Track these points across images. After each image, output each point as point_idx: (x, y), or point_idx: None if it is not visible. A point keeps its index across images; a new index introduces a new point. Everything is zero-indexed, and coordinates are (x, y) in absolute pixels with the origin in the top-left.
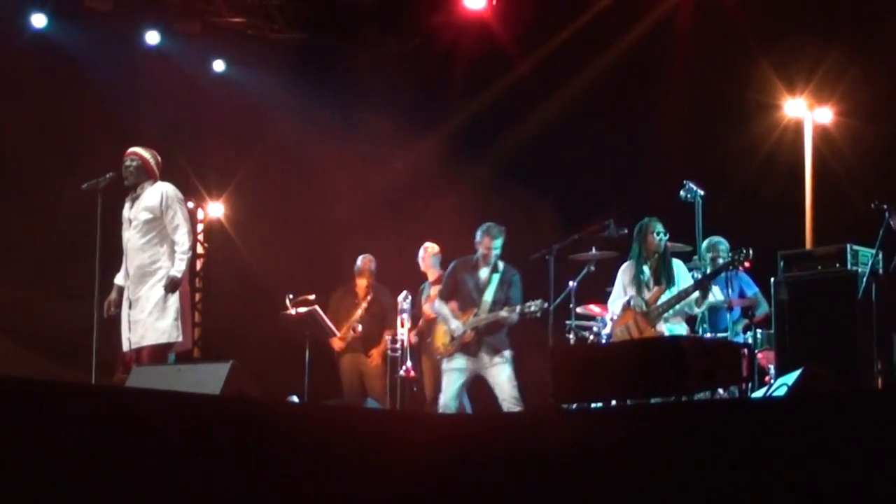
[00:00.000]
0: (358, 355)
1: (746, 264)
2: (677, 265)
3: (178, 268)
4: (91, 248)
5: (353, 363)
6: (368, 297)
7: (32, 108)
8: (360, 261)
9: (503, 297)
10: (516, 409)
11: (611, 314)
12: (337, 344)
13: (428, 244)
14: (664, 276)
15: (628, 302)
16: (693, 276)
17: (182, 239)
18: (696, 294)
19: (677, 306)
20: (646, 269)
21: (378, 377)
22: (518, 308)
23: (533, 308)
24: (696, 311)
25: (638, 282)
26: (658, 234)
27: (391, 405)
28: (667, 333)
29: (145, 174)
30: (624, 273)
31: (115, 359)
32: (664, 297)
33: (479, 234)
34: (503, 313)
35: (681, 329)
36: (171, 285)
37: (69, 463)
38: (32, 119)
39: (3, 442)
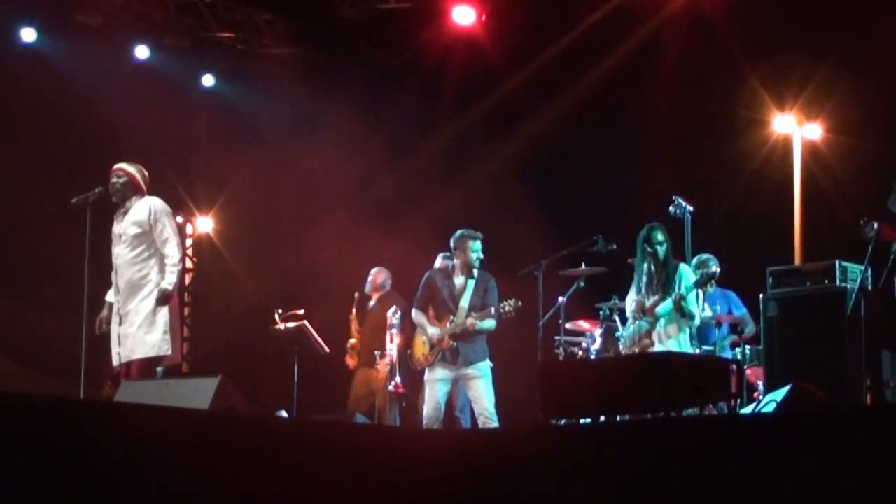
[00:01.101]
0: (368, 371)
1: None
2: (682, 270)
3: (170, 280)
4: (80, 262)
5: (363, 378)
6: (356, 311)
7: (21, 122)
8: (370, 275)
9: (479, 303)
10: (492, 423)
11: (628, 312)
12: (349, 361)
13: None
14: (658, 284)
15: (638, 307)
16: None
17: (172, 252)
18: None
19: (665, 319)
20: (644, 276)
21: (382, 391)
22: (493, 310)
23: (507, 308)
24: (691, 322)
25: (641, 289)
26: (657, 243)
27: (380, 420)
28: (662, 344)
29: (132, 189)
30: (634, 277)
31: (104, 373)
32: (662, 308)
33: (452, 241)
34: (470, 320)
35: (676, 341)
36: (163, 298)
37: (57, 478)
38: (21, 133)
39: None
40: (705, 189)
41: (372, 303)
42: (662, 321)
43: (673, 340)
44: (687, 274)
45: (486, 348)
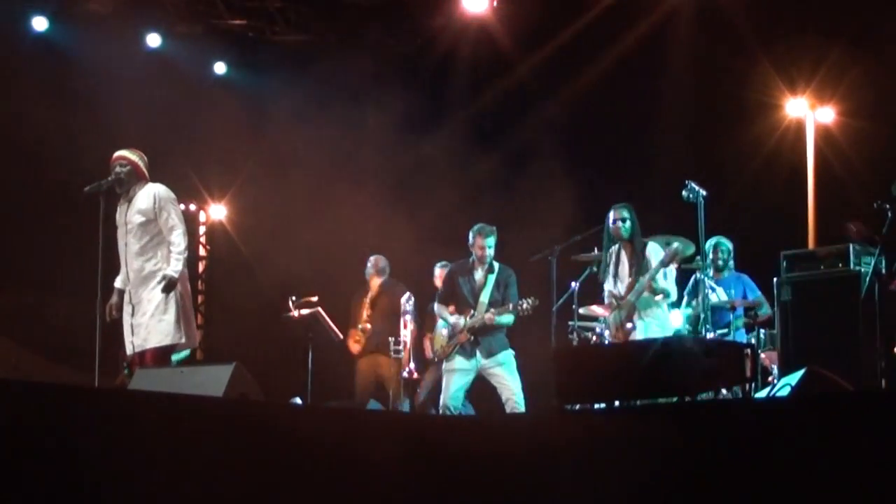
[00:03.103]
0: (375, 356)
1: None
2: (651, 248)
3: (175, 267)
4: (94, 250)
5: (370, 365)
6: (369, 296)
7: (33, 111)
8: (368, 262)
9: (500, 298)
10: (520, 408)
11: (606, 299)
12: (353, 347)
13: (444, 263)
14: (634, 266)
15: (609, 294)
16: (695, 277)
17: (178, 239)
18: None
19: (641, 302)
20: (620, 256)
21: (395, 378)
22: (511, 306)
23: (525, 306)
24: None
25: (614, 270)
26: (622, 220)
27: (392, 407)
28: (642, 327)
29: (136, 177)
30: (605, 260)
31: (119, 361)
32: (633, 293)
33: (470, 235)
34: (488, 314)
35: (655, 319)
36: (168, 285)
37: (72, 465)
38: (33, 121)
39: (7, 444)
40: (719, 173)
41: (375, 289)
42: (640, 305)
43: (652, 320)
44: (656, 252)
45: (505, 339)
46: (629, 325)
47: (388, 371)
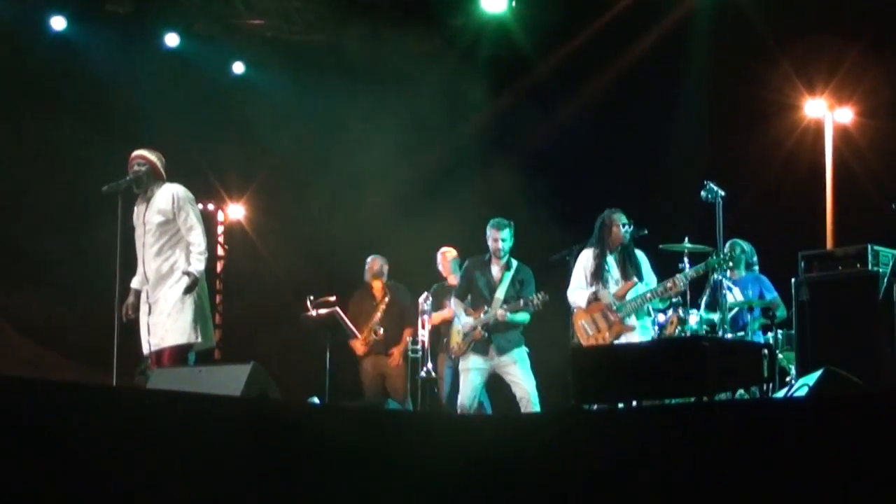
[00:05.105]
0: (379, 357)
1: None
2: (641, 258)
3: (196, 267)
4: (112, 249)
5: (374, 365)
6: (386, 299)
7: (52, 110)
8: (367, 263)
9: (515, 295)
10: (534, 406)
11: (572, 303)
12: (358, 347)
13: (446, 249)
14: (631, 269)
15: (595, 295)
16: (714, 279)
17: (197, 240)
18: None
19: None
20: (611, 261)
21: (399, 377)
22: (522, 302)
23: (536, 301)
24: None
25: (602, 275)
26: (623, 225)
27: (413, 406)
28: (637, 329)
29: (154, 177)
30: (585, 263)
31: (134, 361)
32: (634, 292)
33: (487, 229)
34: (500, 311)
35: (647, 325)
36: (191, 285)
37: (91, 464)
38: (52, 121)
39: (26, 443)
40: (737, 174)
41: (381, 291)
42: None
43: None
44: (643, 259)
45: (521, 338)
46: (620, 326)
47: (390, 370)
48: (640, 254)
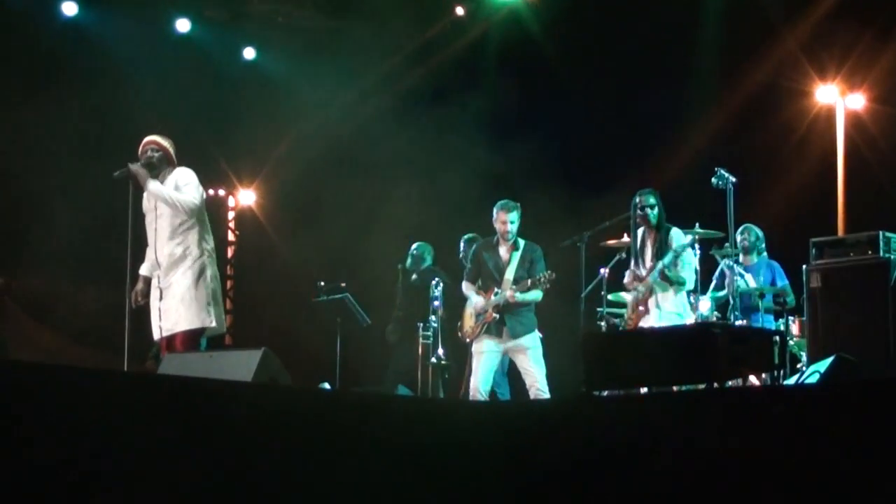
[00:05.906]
0: (410, 343)
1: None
2: (674, 234)
3: (154, 188)
4: (122, 235)
5: (407, 350)
6: (399, 284)
7: (63, 96)
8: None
9: (525, 275)
10: (543, 395)
11: (625, 281)
12: (392, 334)
13: (470, 235)
14: (656, 251)
15: (633, 275)
16: (725, 264)
17: (185, 199)
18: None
19: (658, 286)
20: (638, 241)
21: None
22: (529, 281)
23: (542, 279)
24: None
25: (634, 254)
26: (650, 206)
27: (422, 392)
28: (656, 316)
29: (166, 162)
30: (631, 244)
31: (146, 346)
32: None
33: (495, 211)
34: (509, 292)
35: (673, 305)
36: (127, 169)
37: (102, 450)
38: (63, 107)
39: (37, 427)
40: (748, 160)
41: (413, 276)
42: (657, 288)
43: (670, 306)
44: (678, 238)
45: (533, 320)
46: (641, 308)
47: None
48: (675, 232)
